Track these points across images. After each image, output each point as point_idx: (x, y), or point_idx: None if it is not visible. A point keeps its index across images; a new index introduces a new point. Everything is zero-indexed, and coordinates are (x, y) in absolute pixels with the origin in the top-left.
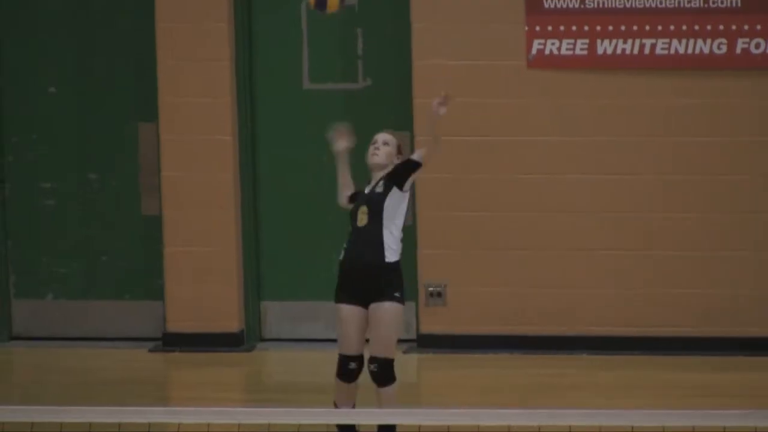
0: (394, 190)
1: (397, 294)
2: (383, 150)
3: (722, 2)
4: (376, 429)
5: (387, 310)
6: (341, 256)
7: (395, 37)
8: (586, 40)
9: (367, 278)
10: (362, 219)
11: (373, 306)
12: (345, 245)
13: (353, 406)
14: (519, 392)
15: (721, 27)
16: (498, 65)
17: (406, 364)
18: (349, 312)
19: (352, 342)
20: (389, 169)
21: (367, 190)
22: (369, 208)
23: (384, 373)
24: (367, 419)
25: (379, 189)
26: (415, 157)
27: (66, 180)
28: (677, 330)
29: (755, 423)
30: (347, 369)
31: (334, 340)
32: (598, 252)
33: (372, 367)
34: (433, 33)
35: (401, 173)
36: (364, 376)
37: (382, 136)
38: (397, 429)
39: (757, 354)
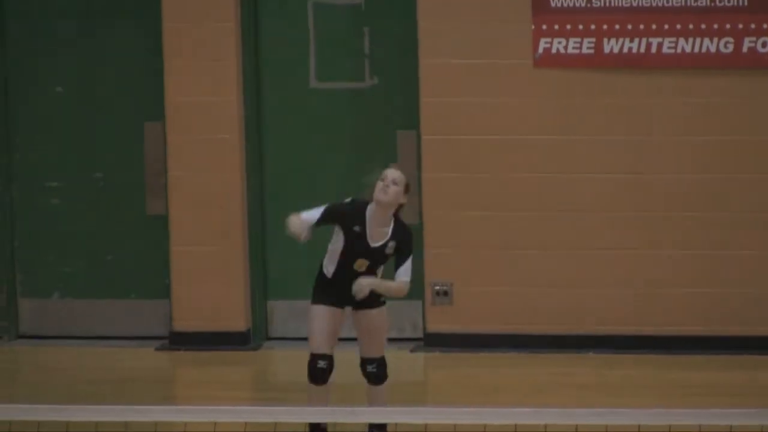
0: (394, 257)
1: (382, 298)
2: (392, 189)
3: (729, 1)
4: (367, 427)
5: (379, 315)
6: (329, 272)
7: (402, 35)
8: (593, 39)
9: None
10: (361, 266)
11: (363, 312)
12: (334, 266)
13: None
14: (525, 391)
15: (728, 26)
16: (504, 64)
17: (413, 363)
18: (327, 312)
19: (324, 341)
20: (393, 209)
21: (371, 242)
22: (370, 263)
23: (382, 373)
24: (372, 418)
25: (389, 251)
26: (406, 274)
27: (72, 179)
28: (683, 329)
29: (761, 422)
30: (317, 368)
31: (340, 339)
32: (604, 251)
33: (371, 368)
34: (439, 32)
35: (400, 258)
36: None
37: (392, 174)
38: (404, 428)
39: (762, 353)
